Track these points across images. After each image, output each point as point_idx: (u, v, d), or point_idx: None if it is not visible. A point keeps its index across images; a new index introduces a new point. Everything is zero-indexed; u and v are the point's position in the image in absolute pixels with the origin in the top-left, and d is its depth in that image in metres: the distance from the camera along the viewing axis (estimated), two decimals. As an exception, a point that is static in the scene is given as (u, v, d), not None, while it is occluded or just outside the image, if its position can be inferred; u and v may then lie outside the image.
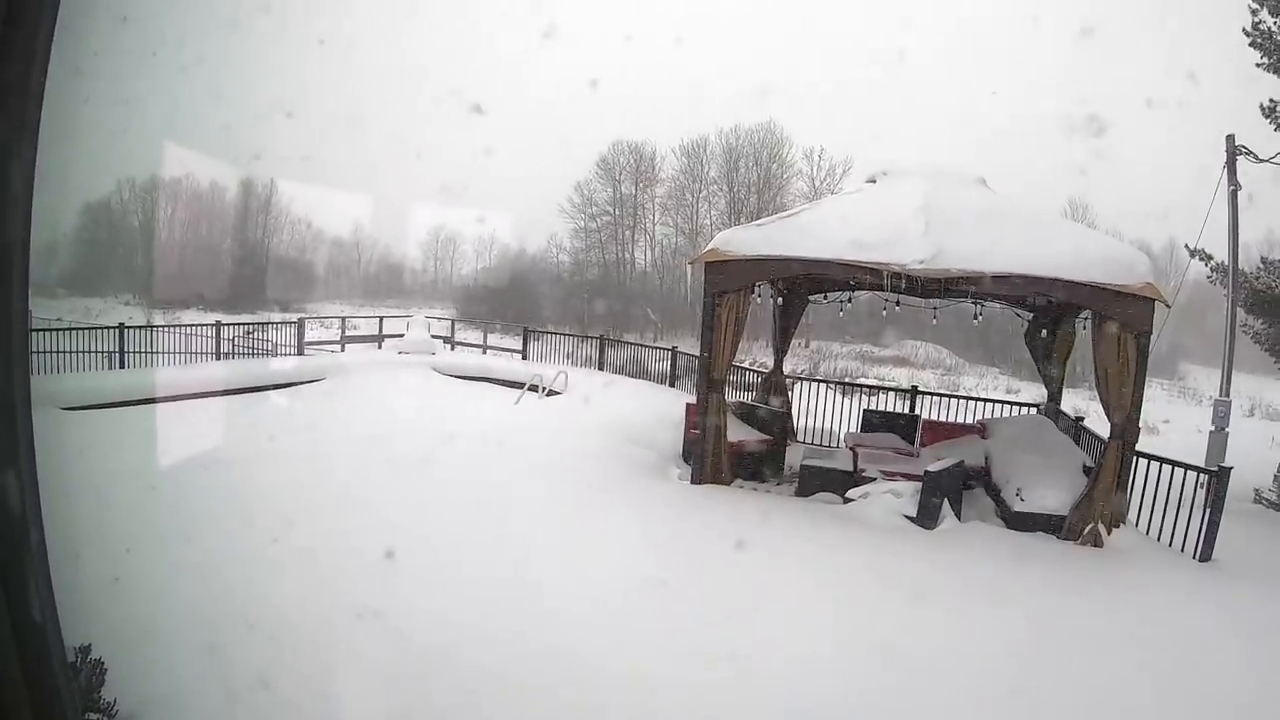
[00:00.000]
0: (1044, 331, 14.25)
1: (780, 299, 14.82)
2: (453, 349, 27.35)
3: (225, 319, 24.80)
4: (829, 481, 10.57)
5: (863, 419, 13.79)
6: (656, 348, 23.36)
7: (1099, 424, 10.69)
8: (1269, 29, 15.01)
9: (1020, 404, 16.58)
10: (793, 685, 5.45)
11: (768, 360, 16.45)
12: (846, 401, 15.73)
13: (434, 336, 25.98)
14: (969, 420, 14.53)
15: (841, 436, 14.17)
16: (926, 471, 9.43)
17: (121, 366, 18.03)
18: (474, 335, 30.75)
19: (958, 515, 9.50)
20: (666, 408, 14.61)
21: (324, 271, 66.21)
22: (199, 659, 4.98)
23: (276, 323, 24.93)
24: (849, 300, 14.89)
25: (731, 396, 14.14)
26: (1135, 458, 9.54)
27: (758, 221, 11.79)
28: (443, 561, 7.18)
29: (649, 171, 56.49)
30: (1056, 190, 50.58)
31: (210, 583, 6.09)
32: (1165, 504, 9.28)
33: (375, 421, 14.25)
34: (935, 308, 13.35)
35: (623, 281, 56.51)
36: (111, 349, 18.28)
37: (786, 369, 15.88)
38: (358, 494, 8.99)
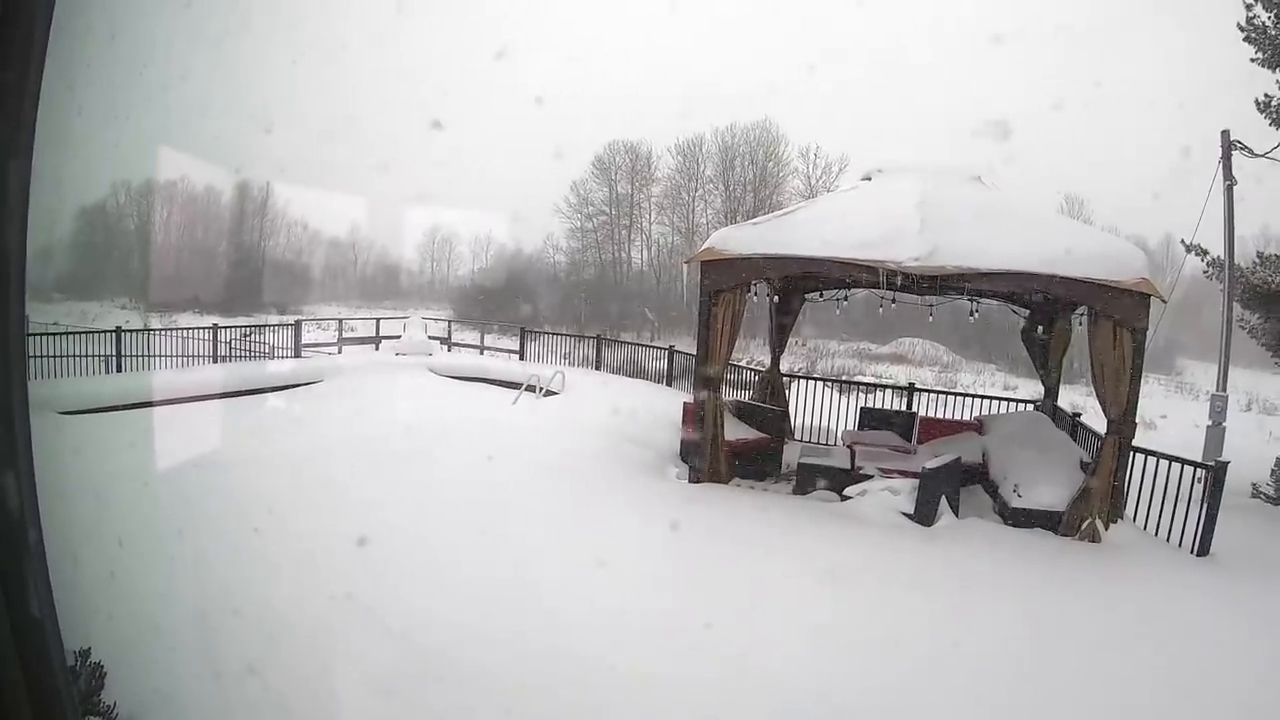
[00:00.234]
0: (1040, 328, 14.27)
1: (777, 297, 14.82)
2: (450, 350, 27.35)
3: (222, 322, 24.76)
4: (826, 479, 10.57)
5: (860, 416, 13.80)
6: (654, 347, 23.39)
7: (1096, 420, 10.71)
8: (1263, 24, 15.01)
9: (1017, 400, 16.58)
10: (792, 683, 5.46)
11: (765, 359, 16.45)
12: (844, 399, 15.72)
13: (431, 338, 25.99)
14: (966, 417, 14.55)
15: (839, 434, 14.19)
16: (924, 468, 9.44)
17: (119, 370, 18.02)
18: (471, 336, 30.76)
19: (955, 512, 9.51)
20: (664, 407, 14.61)
21: (320, 273, 66.12)
22: (198, 662, 4.98)
23: (273, 325, 24.91)
24: (845, 298, 14.91)
25: (729, 395, 14.17)
26: (1132, 453, 9.55)
27: (753, 220, 11.80)
28: (441, 562, 7.18)
29: (645, 171, 56.49)
30: (1053, 187, 50.56)
31: (209, 585, 6.09)
32: (1163, 499, 9.30)
33: (373, 423, 14.25)
34: (932, 305, 13.37)
35: (619, 281, 56.48)
36: (108, 353, 18.26)
37: (784, 367, 15.87)
38: (355, 495, 9.00)
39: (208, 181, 55.49)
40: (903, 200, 10.39)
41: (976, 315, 14.28)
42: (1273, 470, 13.66)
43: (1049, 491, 9.75)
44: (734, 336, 10.79)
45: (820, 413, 15.05)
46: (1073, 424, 13.25)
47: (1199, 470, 9.33)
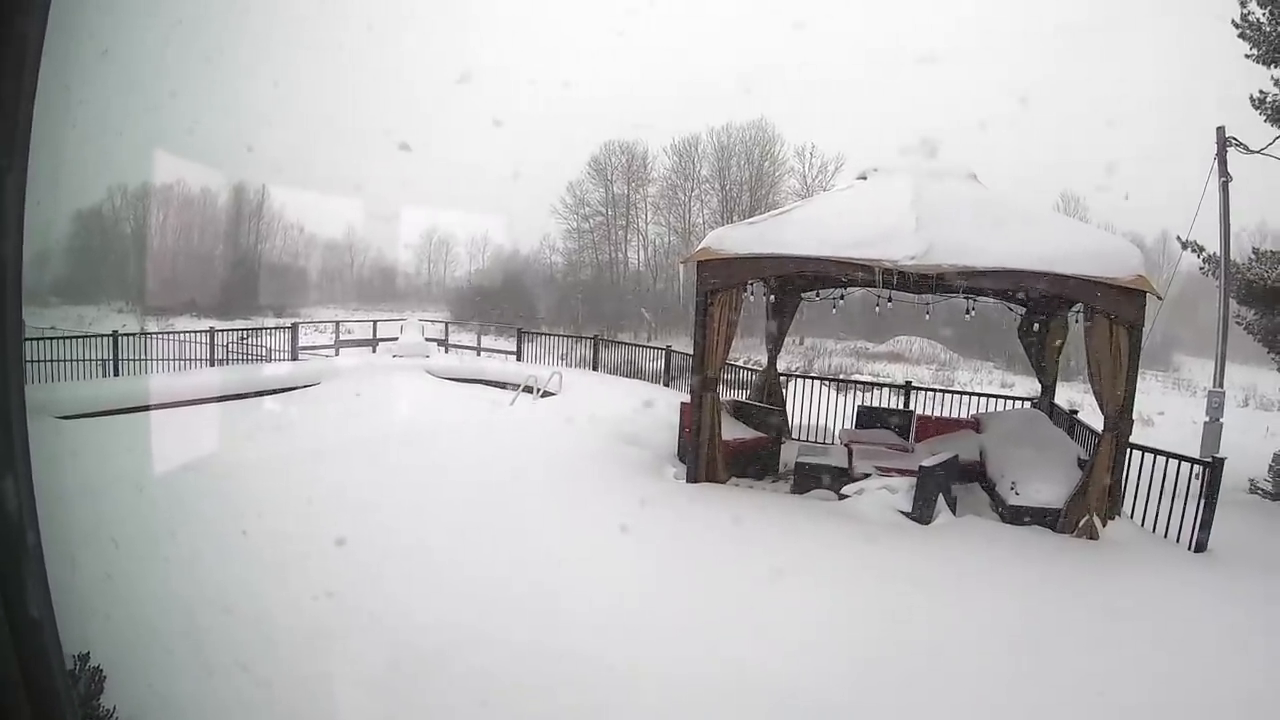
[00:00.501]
0: (1037, 325, 14.29)
1: (773, 297, 14.84)
2: (447, 351, 27.38)
3: (219, 325, 24.84)
4: (824, 478, 10.58)
5: (857, 415, 13.80)
6: (651, 347, 23.42)
7: (1093, 417, 10.72)
8: (1258, 20, 15.03)
9: (1014, 398, 16.58)
10: (790, 682, 5.46)
11: (762, 358, 16.45)
12: (841, 398, 15.73)
13: (428, 339, 26.01)
14: (964, 415, 14.56)
15: (836, 433, 14.21)
16: (921, 467, 9.45)
17: (116, 374, 18.03)
18: (468, 337, 30.81)
19: (953, 510, 9.52)
20: (661, 407, 14.61)
21: (317, 276, 66.19)
22: (197, 665, 4.98)
23: (270, 328, 24.95)
24: (842, 297, 14.90)
25: (726, 395, 14.16)
26: (1129, 450, 9.57)
27: (749, 220, 11.79)
28: (439, 563, 7.19)
29: (641, 171, 56.54)
30: (1048, 184, 50.65)
31: (208, 589, 6.10)
32: (1160, 495, 9.31)
33: (370, 425, 14.24)
34: (928, 303, 13.38)
35: (616, 281, 56.52)
36: (105, 357, 18.28)
37: (781, 366, 15.89)
38: (353, 497, 9.00)
39: (204, 184, 55.55)
40: (898, 199, 10.39)
41: (973, 313, 14.28)
42: (1270, 466, 13.67)
43: (1046, 489, 9.76)
44: (731, 336, 10.79)
45: (818, 412, 15.08)
46: (1070, 421, 13.27)
47: (1196, 466, 9.33)
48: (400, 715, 4.89)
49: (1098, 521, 9.25)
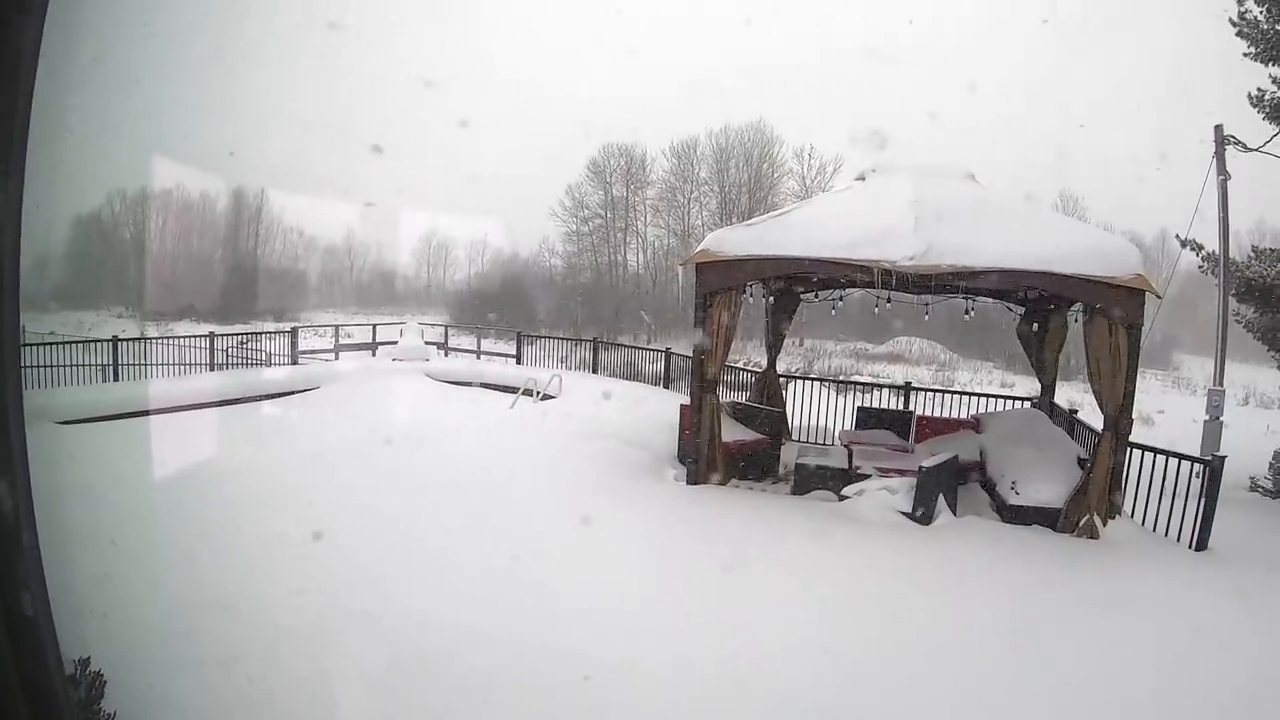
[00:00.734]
0: (1036, 325, 14.28)
1: (772, 298, 14.84)
2: (446, 355, 27.37)
3: (219, 330, 24.84)
4: (824, 479, 10.58)
5: (857, 416, 13.80)
6: (650, 350, 23.40)
7: (1093, 416, 10.71)
8: (1255, 18, 15.04)
9: (1014, 398, 16.58)
10: (790, 683, 5.46)
11: (762, 360, 16.45)
12: (841, 399, 15.72)
13: (427, 343, 26.04)
14: (963, 415, 14.56)
15: (836, 434, 14.20)
16: (921, 467, 9.44)
17: (115, 379, 18.04)
18: (467, 341, 30.80)
19: (953, 510, 9.52)
20: (661, 409, 14.62)
21: (317, 280, 66.32)
22: (198, 670, 4.98)
23: (270, 332, 24.95)
24: (841, 298, 14.90)
25: (726, 396, 14.15)
26: (1129, 449, 9.56)
27: (748, 221, 11.79)
28: (439, 565, 7.19)
29: (640, 173, 56.61)
30: (1048, 184, 50.71)
31: (210, 593, 6.10)
32: (1160, 494, 9.31)
33: (369, 429, 14.22)
34: (927, 304, 13.39)
35: (615, 284, 56.57)
36: (105, 362, 18.29)
37: (781, 368, 15.89)
38: (353, 500, 9.00)
39: (203, 189, 55.61)
40: (896, 199, 10.38)
41: (972, 314, 14.27)
42: (1270, 464, 13.67)
43: (1047, 488, 9.75)
44: (730, 338, 10.79)
45: (817, 413, 15.07)
46: (1070, 420, 13.27)
47: (1196, 465, 9.32)
48: (401, 715, 4.89)
49: (1098, 521, 9.25)
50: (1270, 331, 15.37)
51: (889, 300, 12.30)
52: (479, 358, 27.36)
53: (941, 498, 9.41)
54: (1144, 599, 7.28)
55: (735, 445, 11.49)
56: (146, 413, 14.00)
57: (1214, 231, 16.31)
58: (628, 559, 7.65)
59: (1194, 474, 9.27)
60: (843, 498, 9.90)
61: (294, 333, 24.42)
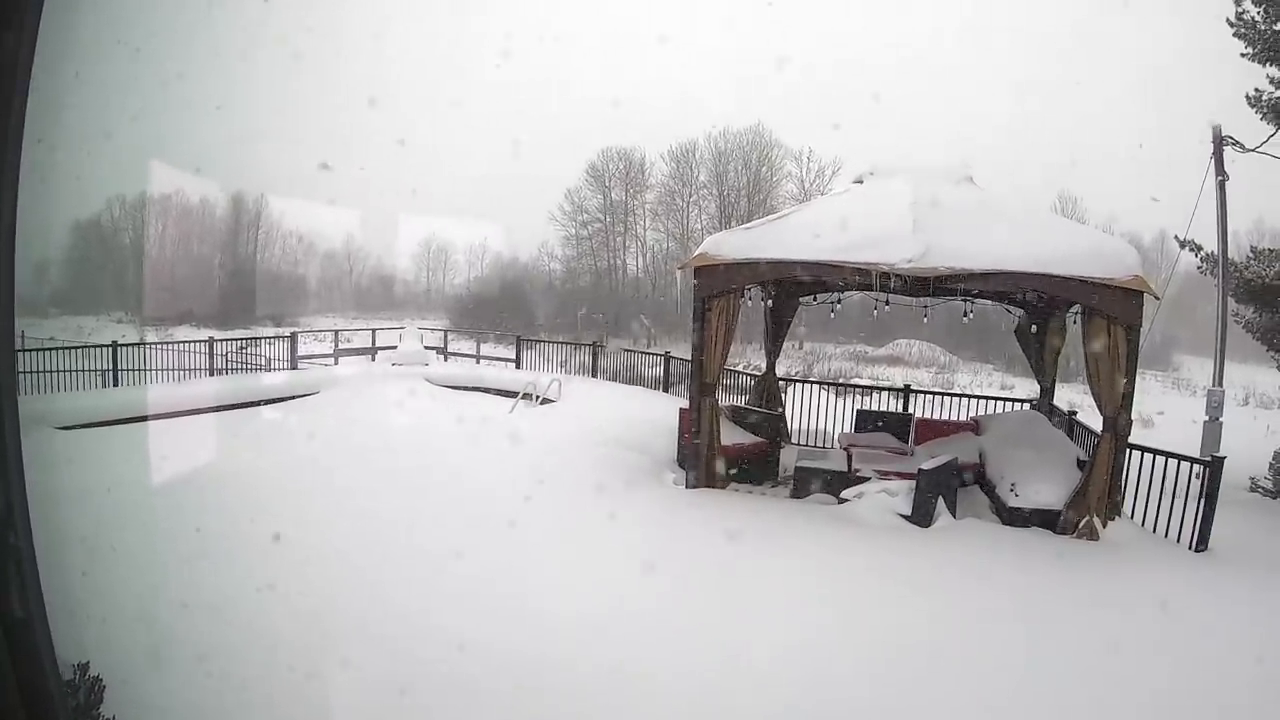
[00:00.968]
0: (1034, 327, 14.27)
1: (771, 301, 14.83)
2: (446, 360, 27.39)
3: (218, 335, 24.85)
4: (824, 482, 10.59)
5: (856, 419, 13.81)
6: (649, 353, 23.40)
7: (1092, 417, 10.70)
8: (1253, 19, 15.07)
9: (1013, 400, 16.59)
10: (791, 686, 5.46)
11: (761, 363, 16.47)
12: (840, 402, 15.75)
13: (427, 347, 26.01)
14: (963, 417, 14.55)
15: (835, 437, 14.21)
16: (920, 470, 9.44)
17: (115, 385, 18.04)
18: (467, 345, 30.83)
19: (953, 512, 9.51)
20: (660, 413, 14.62)
21: (316, 285, 66.37)
22: (197, 675, 4.98)
23: (269, 337, 24.93)
24: (839, 301, 14.90)
25: (725, 400, 14.16)
26: (1129, 450, 9.56)
27: (746, 225, 11.78)
28: (436, 571, 7.18)
29: (639, 177, 56.68)
30: (1046, 185, 50.76)
31: (207, 598, 6.10)
32: (1160, 495, 9.30)
33: (368, 434, 14.22)
34: (926, 306, 13.39)
35: (615, 288, 56.62)
36: (104, 367, 18.29)
37: (780, 371, 15.89)
38: (351, 506, 9.00)
39: (202, 194, 55.67)
40: (895, 202, 10.39)
41: (971, 316, 14.26)
42: (1270, 464, 13.69)
43: (1046, 490, 9.75)
44: (729, 341, 10.78)
45: (817, 416, 15.06)
46: (1069, 422, 13.26)
47: (1196, 466, 9.32)
48: (397, 721, 4.90)
49: (1098, 522, 9.24)
50: (1269, 332, 15.40)
51: (888, 303, 12.31)
52: (478, 362, 27.39)
53: (941, 500, 9.40)
54: (1144, 600, 7.27)
55: (734, 449, 11.49)
56: (146, 418, 13.99)
57: (1212, 232, 16.31)
58: (626, 563, 7.63)
59: (1194, 475, 9.26)
60: (842, 500, 9.89)
61: (293, 338, 24.41)
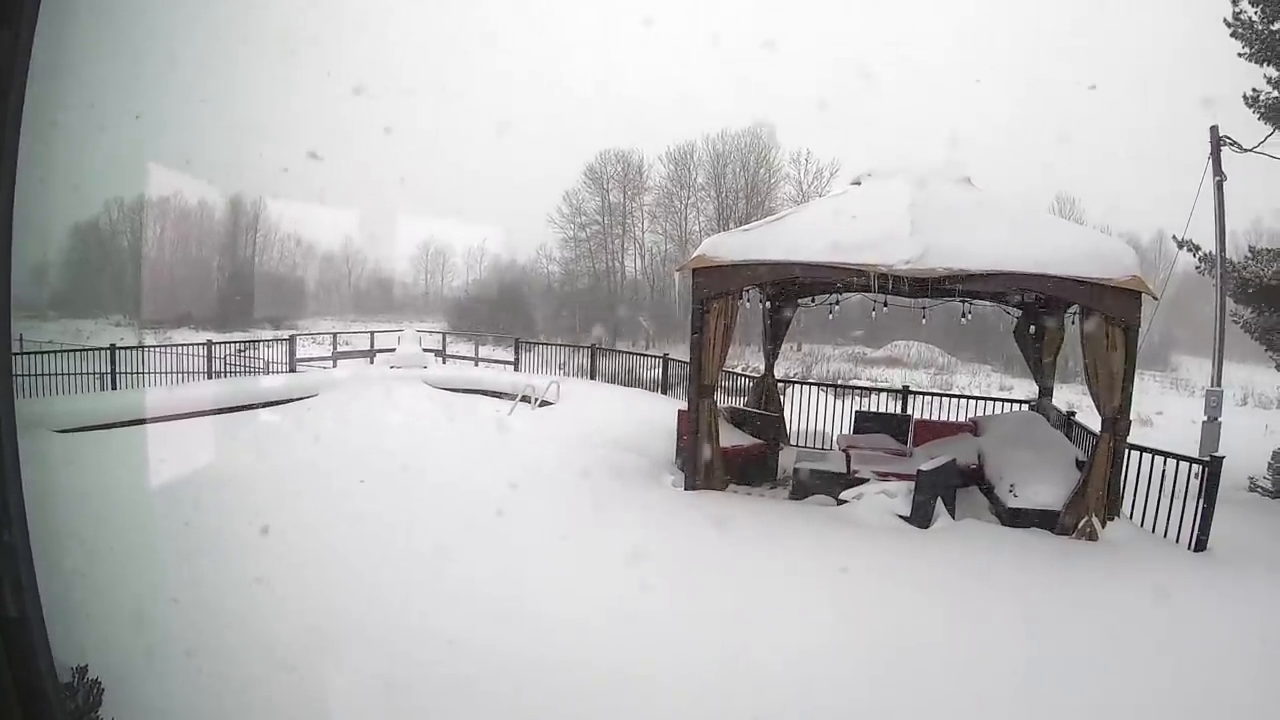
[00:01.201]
0: (1033, 328, 14.27)
1: (770, 303, 14.84)
2: (444, 362, 27.42)
3: (216, 338, 24.85)
4: (822, 484, 10.59)
5: (855, 420, 13.82)
6: (648, 355, 23.41)
7: (1091, 418, 10.70)
8: (1250, 19, 15.09)
9: (1012, 401, 16.60)
10: (791, 687, 5.45)
11: (759, 365, 16.47)
12: (839, 403, 15.76)
13: (425, 350, 26.05)
14: (961, 418, 14.55)
15: (834, 438, 14.20)
16: (919, 471, 9.44)
17: (114, 388, 18.04)
18: (466, 348, 30.78)
19: (951, 513, 9.51)
20: (659, 415, 14.63)
21: (314, 287, 66.31)
22: (196, 677, 4.98)
23: (268, 340, 24.94)
24: (838, 303, 14.91)
25: (723, 402, 14.16)
26: (1128, 450, 9.57)
27: (745, 226, 11.79)
28: (433, 573, 7.17)
29: (637, 179, 56.65)
30: (1044, 186, 50.79)
31: (207, 601, 6.09)
32: (1159, 495, 9.31)
33: (367, 436, 14.22)
34: (924, 307, 13.39)
35: (613, 290, 56.61)
36: (103, 370, 18.29)
37: (778, 373, 15.89)
38: (348, 509, 9.00)
39: (201, 197, 55.65)
40: (893, 203, 10.39)
41: (969, 317, 14.27)
42: (1269, 464, 13.71)
43: (1045, 491, 9.75)
44: (727, 343, 10.79)
45: (815, 417, 15.06)
46: (1068, 423, 13.26)
47: (1195, 466, 9.32)
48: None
49: (1097, 523, 9.25)
50: (1268, 332, 15.42)
51: (886, 304, 12.31)
52: (477, 365, 27.37)
53: (940, 501, 9.40)
54: (1143, 600, 7.27)
55: (733, 450, 11.49)
56: (144, 421, 14.00)
57: (1210, 232, 16.32)
58: (624, 565, 7.62)
59: (1192, 475, 9.27)
60: (841, 502, 9.90)
61: (292, 340, 24.43)
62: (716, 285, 10.52)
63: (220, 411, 15.84)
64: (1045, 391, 14.55)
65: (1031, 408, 14.57)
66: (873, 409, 15.67)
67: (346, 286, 68.37)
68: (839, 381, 26.94)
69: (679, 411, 12.41)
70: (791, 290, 14.67)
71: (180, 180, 51.17)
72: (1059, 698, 5.49)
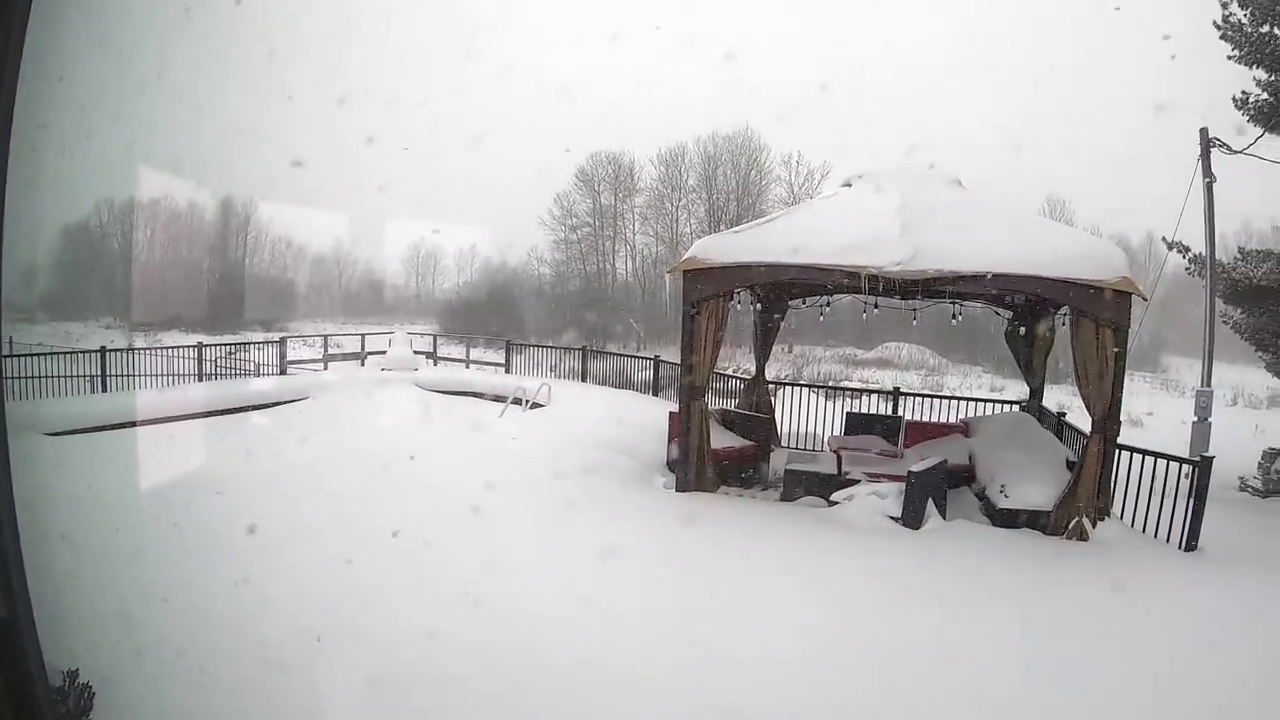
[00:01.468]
0: (1023, 329, 14.28)
1: (760, 305, 14.85)
2: (435, 364, 27.37)
3: (207, 340, 24.80)
4: (813, 485, 10.61)
5: (846, 422, 13.82)
6: (639, 357, 23.39)
7: (1081, 419, 10.72)
8: (1239, 22, 15.12)
9: (1003, 402, 16.61)
10: (782, 688, 5.46)
11: (750, 366, 16.49)
12: (830, 405, 15.79)
13: (416, 352, 26.03)
14: (952, 420, 14.57)
15: (825, 440, 14.21)
16: (910, 472, 9.45)
17: (104, 390, 17.99)
18: (457, 350, 30.71)
19: (942, 514, 9.53)
20: (650, 417, 14.62)
21: (305, 289, 66.10)
22: (188, 680, 4.97)
23: (258, 342, 24.89)
24: (828, 304, 14.91)
25: (714, 404, 14.18)
26: (1118, 450, 9.59)
27: (735, 228, 11.83)
28: (424, 576, 7.17)
29: (628, 181, 56.56)
30: (1034, 188, 50.82)
31: (198, 603, 6.09)
32: (1150, 496, 9.33)
33: (357, 439, 14.23)
34: (915, 309, 13.40)
35: (605, 292, 56.53)
36: (93, 373, 18.23)
37: (769, 374, 15.89)
38: (341, 510, 9.01)
39: (191, 198, 55.48)
40: (884, 205, 10.41)
41: (959, 318, 14.29)
42: (1259, 463, 13.74)
43: (1036, 491, 9.78)
44: (718, 345, 10.80)
45: (806, 419, 15.07)
46: (1058, 423, 13.29)
47: (1185, 466, 9.35)
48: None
49: (1087, 523, 9.27)
50: (1257, 332, 15.48)
51: (877, 306, 12.32)
52: (468, 367, 27.33)
53: (931, 502, 9.42)
54: (1134, 600, 7.29)
55: (724, 452, 11.51)
56: (135, 424, 13.97)
57: (1200, 234, 16.36)
58: (615, 567, 7.63)
59: (1183, 475, 9.29)
60: (832, 503, 9.91)
61: (282, 343, 24.37)
62: (707, 287, 10.53)
63: (211, 414, 15.83)
64: (1036, 393, 14.57)
65: (1022, 409, 14.59)
66: (864, 410, 15.68)
67: (337, 288, 68.19)
68: (830, 383, 26.93)
69: (670, 413, 12.42)
70: (782, 292, 14.67)
71: (171, 182, 51.03)
72: (1051, 698, 5.51)
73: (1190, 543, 8.87)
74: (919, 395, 17.07)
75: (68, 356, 18.35)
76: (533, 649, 5.80)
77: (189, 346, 22.16)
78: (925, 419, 14.97)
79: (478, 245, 65.96)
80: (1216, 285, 15.87)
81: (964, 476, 11.37)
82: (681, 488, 10.75)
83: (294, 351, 25.74)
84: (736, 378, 19.06)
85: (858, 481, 10.28)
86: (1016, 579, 7.81)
